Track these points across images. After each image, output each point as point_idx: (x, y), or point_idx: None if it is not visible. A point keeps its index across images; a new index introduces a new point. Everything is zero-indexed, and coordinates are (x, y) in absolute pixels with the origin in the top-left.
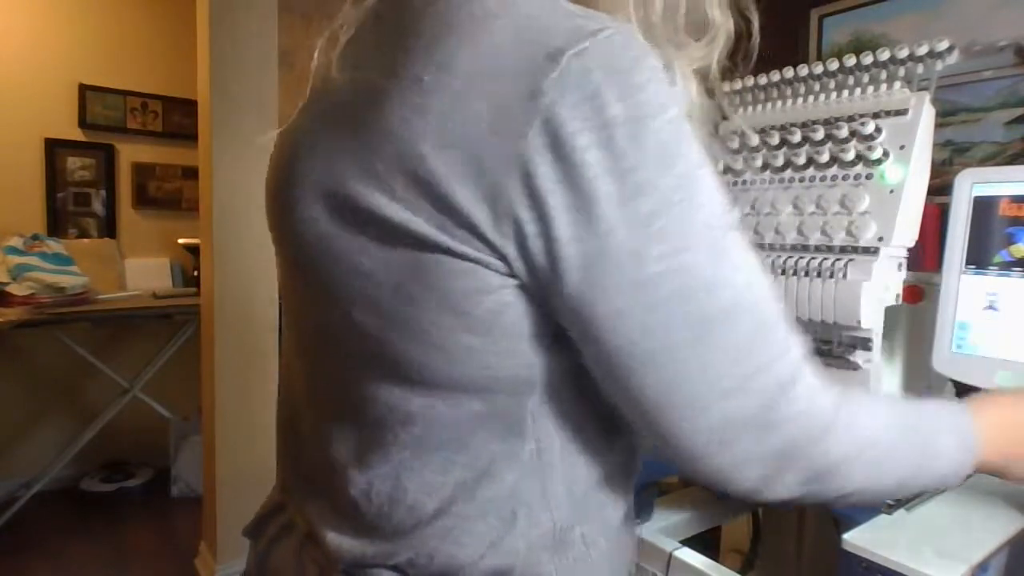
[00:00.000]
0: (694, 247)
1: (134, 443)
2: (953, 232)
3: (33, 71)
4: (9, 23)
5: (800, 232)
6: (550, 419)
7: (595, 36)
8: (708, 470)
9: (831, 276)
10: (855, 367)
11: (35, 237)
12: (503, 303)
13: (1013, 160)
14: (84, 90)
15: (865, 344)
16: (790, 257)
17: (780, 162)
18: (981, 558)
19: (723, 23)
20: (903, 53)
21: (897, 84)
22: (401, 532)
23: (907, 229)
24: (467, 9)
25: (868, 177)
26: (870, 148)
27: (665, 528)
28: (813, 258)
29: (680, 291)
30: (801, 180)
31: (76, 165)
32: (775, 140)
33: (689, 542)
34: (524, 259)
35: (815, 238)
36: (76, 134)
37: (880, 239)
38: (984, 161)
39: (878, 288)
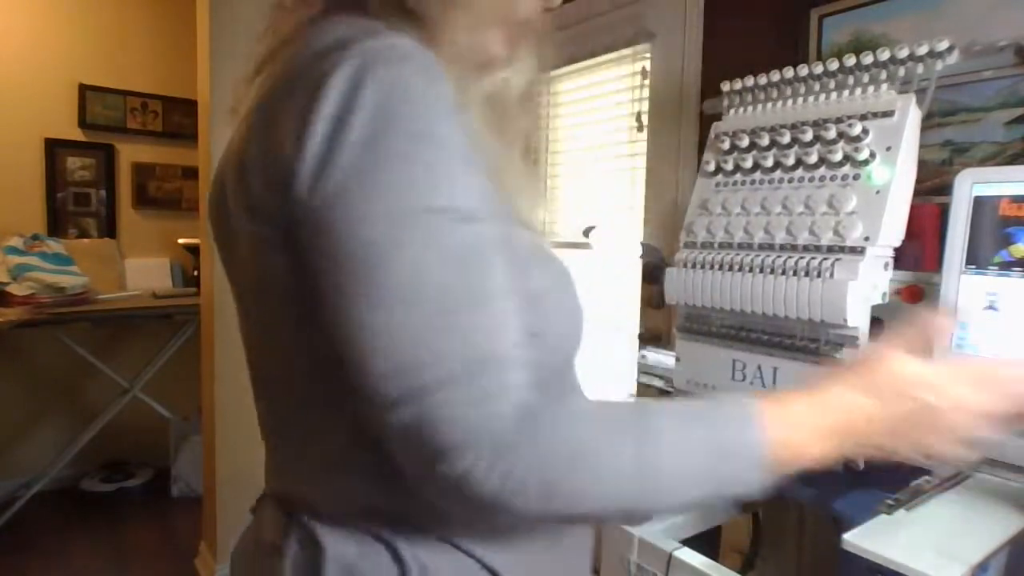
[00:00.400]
0: (373, 228)
1: (134, 443)
2: (953, 232)
3: (33, 71)
4: (9, 23)
5: (789, 232)
6: None
7: (341, 58)
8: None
9: (818, 275)
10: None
11: (35, 237)
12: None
13: (1013, 160)
14: (84, 90)
15: (852, 342)
16: (779, 256)
17: (770, 163)
18: (981, 558)
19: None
20: (903, 53)
21: (884, 86)
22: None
23: (893, 229)
24: (287, 51)
25: (855, 178)
26: (857, 149)
27: (665, 528)
28: (801, 257)
29: (347, 255)
30: (790, 181)
31: (76, 165)
32: (765, 141)
33: (689, 542)
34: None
35: (803, 238)
36: (76, 134)
37: (866, 239)
38: (984, 161)
39: (865, 287)
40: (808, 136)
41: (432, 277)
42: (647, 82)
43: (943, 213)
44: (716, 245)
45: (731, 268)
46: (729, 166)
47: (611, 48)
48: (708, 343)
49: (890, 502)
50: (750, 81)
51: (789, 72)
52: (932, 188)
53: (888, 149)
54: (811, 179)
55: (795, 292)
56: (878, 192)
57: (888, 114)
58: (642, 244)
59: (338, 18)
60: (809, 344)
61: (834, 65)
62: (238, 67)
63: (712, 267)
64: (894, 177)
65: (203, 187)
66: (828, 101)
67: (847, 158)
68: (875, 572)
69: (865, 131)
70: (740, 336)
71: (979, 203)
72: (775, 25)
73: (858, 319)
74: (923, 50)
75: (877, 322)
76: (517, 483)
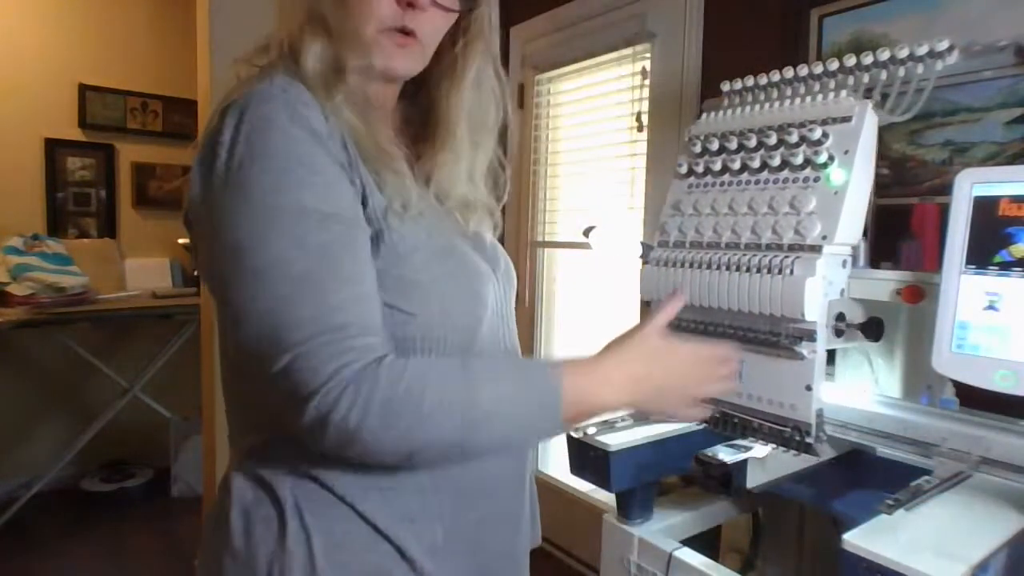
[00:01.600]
0: (242, 227)
1: (134, 443)
2: (953, 232)
3: (33, 71)
4: (9, 23)
5: (754, 231)
6: None
7: (235, 101)
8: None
9: (779, 272)
10: (800, 357)
11: (35, 237)
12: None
13: (1013, 160)
14: (84, 90)
15: (810, 336)
16: (744, 255)
17: (737, 166)
18: (981, 558)
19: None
20: (903, 53)
21: (844, 92)
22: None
23: (850, 228)
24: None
25: (815, 180)
26: (816, 152)
27: (665, 528)
28: (764, 256)
29: (227, 249)
30: (756, 183)
31: (76, 165)
32: (734, 145)
33: (689, 542)
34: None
35: (767, 237)
36: (76, 134)
37: (824, 238)
38: (984, 161)
39: (822, 283)
40: (772, 140)
41: (292, 264)
42: (647, 82)
43: (943, 213)
44: (687, 244)
45: (700, 266)
46: (700, 168)
47: (611, 48)
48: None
49: (890, 502)
50: (750, 81)
51: (789, 72)
52: (932, 188)
53: (846, 152)
54: (775, 181)
55: (757, 288)
56: (836, 193)
57: (847, 119)
58: (642, 244)
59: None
60: (771, 338)
61: (834, 65)
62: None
63: (683, 265)
64: (851, 179)
65: None
66: (792, 107)
67: (808, 161)
68: (875, 572)
69: (825, 135)
70: (709, 331)
71: (979, 203)
72: (775, 25)
73: (815, 313)
74: (923, 50)
75: (877, 322)
76: (362, 415)
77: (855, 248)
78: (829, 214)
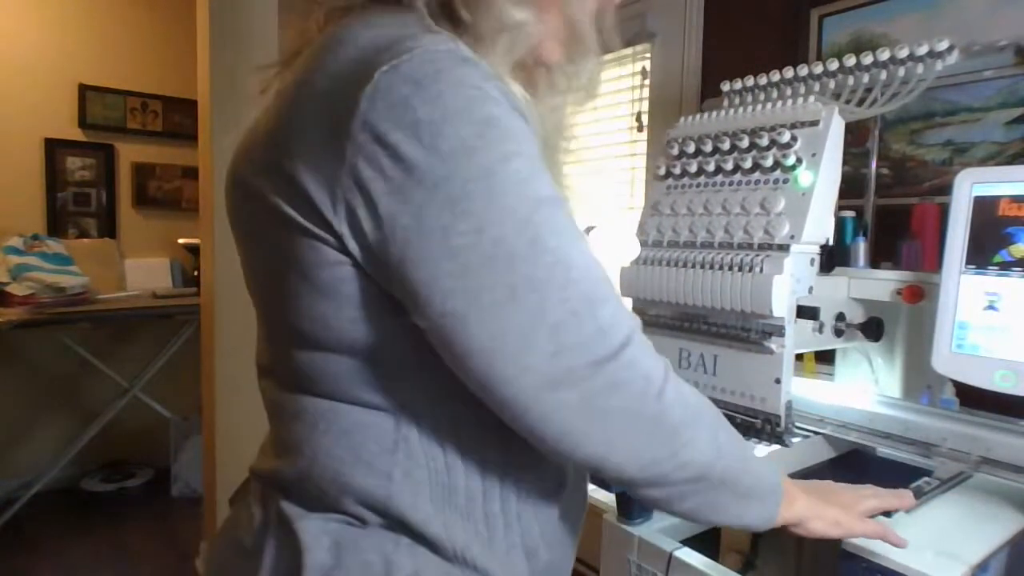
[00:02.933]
0: (498, 224)
1: (134, 443)
2: (953, 232)
3: (33, 71)
4: (9, 23)
5: (727, 231)
6: (405, 384)
7: (401, 56)
8: (539, 431)
9: (749, 270)
10: (770, 352)
11: (35, 237)
12: (341, 276)
13: (1013, 160)
14: (84, 90)
15: (779, 331)
16: (717, 254)
17: (712, 168)
18: (981, 558)
19: (519, 23)
20: (903, 53)
21: (812, 97)
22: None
23: (817, 228)
24: (325, 42)
25: (785, 182)
26: (785, 155)
27: (665, 528)
28: (736, 254)
29: (487, 261)
30: (730, 184)
31: (76, 165)
32: (709, 147)
33: (689, 542)
34: (355, 237)
35: (739, 236)
36: (76, 134)
37: (792, 237)
38: (984, 161)
39: (789, 281)
40: (745, 143)
41: (573, 260)
42: (647, 82)
43: (943, 213)
44: (665, 243)
45: (676, 264)
46: (677, 170)
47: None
48: (659, 334)
49: None
50: (750, 81)
51: (789, 72)
52: (932, 188)
53: (813, 155)
54: (747, 183)
55: (729, 286)
56: (803, 194)
57: (814, 123)
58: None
59: (381, 12)
60: (742, 333)
61: (834, 65)
62: (238, 67)
63: (660, 264)
64: (817, 181)
65: (203, 187)
66: (766, 111)
67: (777, 163)
68: (875, 572)
69: (794, 138)
70: (685, 327)
71: (979, 203)
72: (775, 25)
73: (783, 310)
74: (923, 50)
75: (877, 322)
76: (682, 413)
77: (823, 247)
78: (797, 214)
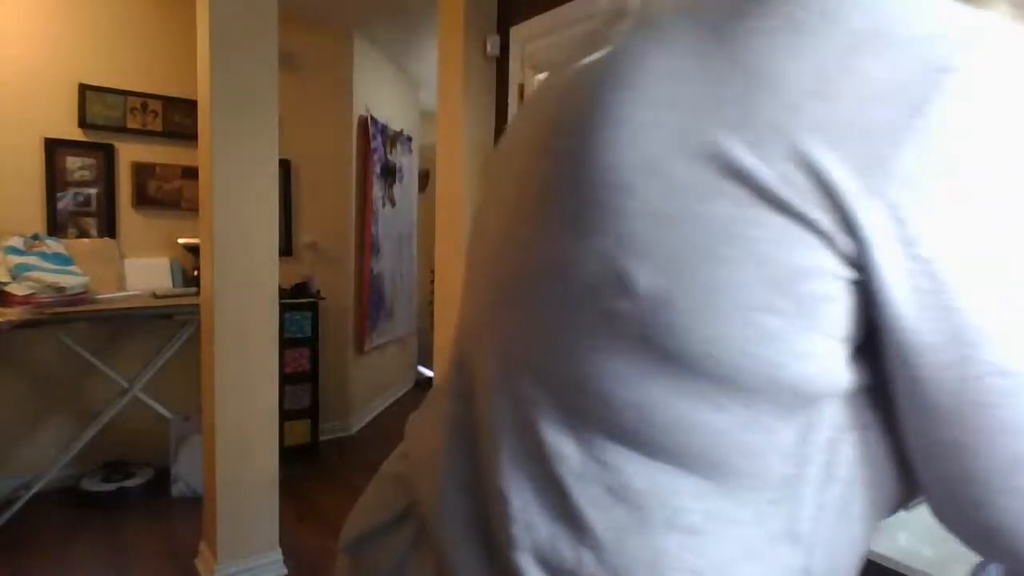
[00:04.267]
0: None
1: (134, 443)
2: None
3: (33, 71)
4: (9, 23)
5: None
6: (824, 447)
7: (990, 30)
8: (1006, 536)
9: None
10: None
11: (35, 237)
12: (828, 294)
13: None
14: (84, 90)
15: None
16: None
17: None
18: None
19: None
20: None
21: None
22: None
23: None
24: None
25: None
26: None
27: None
28: None
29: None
30: None
31: (76, 165)
32: None
33: None
34: (882, 247)
35: None
36: (76, 134)
37: None
38: None
39: None
40: None
41: None
42: None
43: None
44: None
45: None
46: None
47: None
48: None
49: None
50: None
51: None
52: None
53: None
54: None
55: None
56: None
57: None
58: None
59: None
60: None
61: None
62: (238, 67)
63: None
64: None
65: (203, 187)
66: None
67: None
68: (875, 572)
69: None
70: None
71: None
72: None
73: None
74: None
75: None
76: None
77: None
78: None
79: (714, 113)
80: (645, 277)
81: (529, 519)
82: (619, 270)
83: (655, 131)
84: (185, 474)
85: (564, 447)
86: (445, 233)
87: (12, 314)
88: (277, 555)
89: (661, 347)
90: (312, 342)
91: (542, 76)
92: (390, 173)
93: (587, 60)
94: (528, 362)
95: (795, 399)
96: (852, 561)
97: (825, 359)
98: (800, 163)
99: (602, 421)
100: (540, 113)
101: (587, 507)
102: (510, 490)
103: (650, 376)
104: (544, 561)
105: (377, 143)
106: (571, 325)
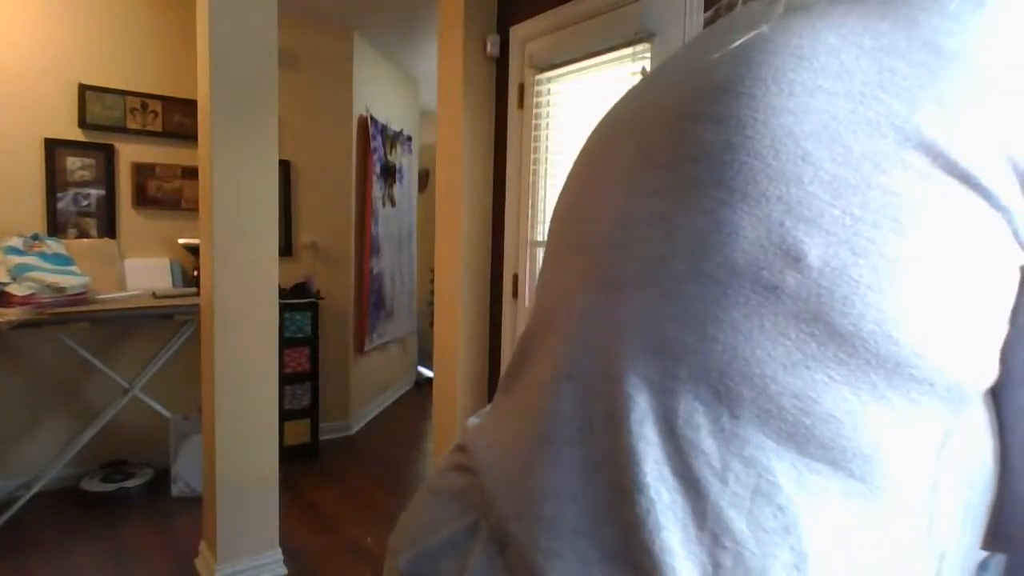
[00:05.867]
0: None
1: (134, 443)
2: None
3: (33, 71)
4: (9, 23)
5: None
6: (960, 453)
7: None
8: None
9: None
10: None
11: (35, 237)
12: (1008, 278)
13: None
14: (84, 90)
15: None
16: None
17: None
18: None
19: None
20: None
21: None
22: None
23: None
24: None
25: None
26: None
27: None
28: None
29: None
30: None
31: (76, 165)
32: None
33: None
34: None
35: None
36: (76, 134)
37: None
38: None
39: None
40: None
41: None
42: None
43: None
44: None
45: None
46: None
47: (611, 48)
48: None
49: None
50: None
51: None
52: None
53: None
54: None
55: None
56: None
57: None
58: None
59: None
60: None
61: None
62: (238, 67)
63: None
64: None
65: (203, 187)
66: None
67: None
68: None
69: None
70: None
71: None
72: None
73: None
74: None
75: None
76: None
77: None
78: None
79: (896, 86)
80: (818, 248)
81: (661, 519)
82: (788, 240)
83: (832, 99)
84: (185, 474)
85: (704, 442)
86: (445, 233)
87: (12, 314)
88: (277, 555)
89: (832, 326)
90: (312, 342)
91: (543, 75)
92: (390, 173)
93: (738, 38)
94: (664, 348)
95: (955, 394)
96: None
97: (993, 351)
98: (989, 139)
99: (754, 411)
100: (670, 90)
101: (728, 507)
102: (640, 490)
103: (814, 359)
104: (679, 563)
105: (377, 143)
106: (723, 303)
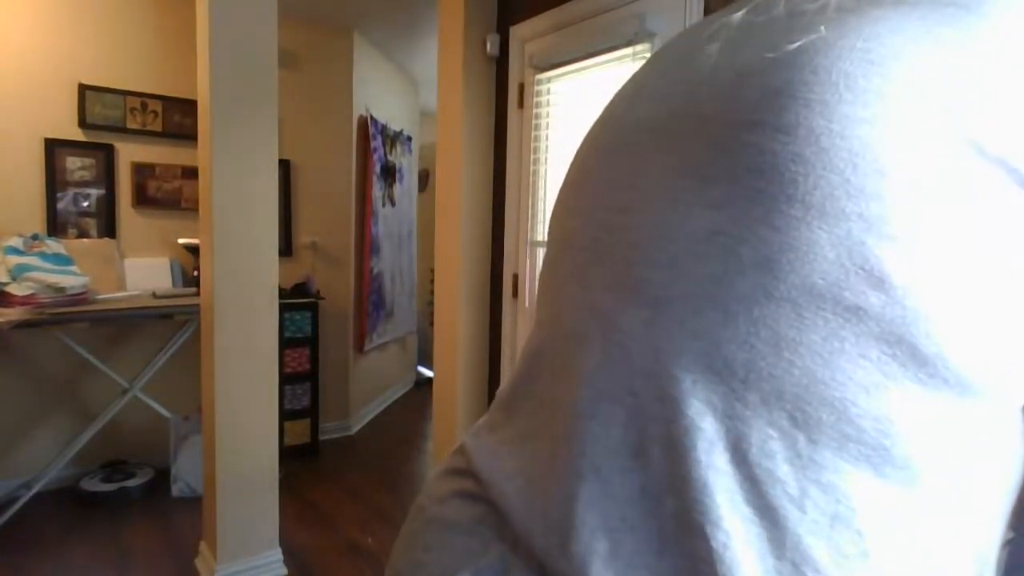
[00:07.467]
0: None
1: (134, 443)
2: None
3: (33, 71)
4: (9, 23)
5: None
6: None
7: None
8: None
9: None
10: None
11: (35, 237)
12: None
13: None
14: (84, 90)
15: None
16: None
17: None
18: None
19: None
20: None
21: None
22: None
23: None
24: None
25: None
26: None
27: None
28: None
29: None
30: None
31: (76, 165)
32: None
33: None
34: None
35: None
36: (76, 134)
37: None
38: None
39: None
40: None
41: None
42: None
43: None
44: None
45: None
46: None
47: (611, 48)
48: None
49: None
50: None
51: None
52: None
53: None
54: None
55: None
56: None
57: None
58: None
59: None
60: None
61: None
62: (238, 67)
63: None
64: None
65: (203, 187)
66: None
67: None
68: None
69: None
70: None
71: None
72: None
73: None
74: None
75: None
76: None
77: None
78: None
79: (964, 97)
80: (902, 267)
81: (739, 553)
82: (871, 260)
83: (903, 109)
84: (185, 474)
85: (779, 469)
86: (445, 233)
87: (12, 314)
88: (277, 555)
89: (915, 347)
90: (312, 342)
91: (543, 75)
92: (390, 173)
93: (791, 37)
94: (730, 371)
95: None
96: None
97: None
98: None
99: (832, 435)
100: (705, 92)
101: (806, 535)
102: (714, 523)
103: (895, 381)
104: None
105: (377, 143)
106: (799, 326)
